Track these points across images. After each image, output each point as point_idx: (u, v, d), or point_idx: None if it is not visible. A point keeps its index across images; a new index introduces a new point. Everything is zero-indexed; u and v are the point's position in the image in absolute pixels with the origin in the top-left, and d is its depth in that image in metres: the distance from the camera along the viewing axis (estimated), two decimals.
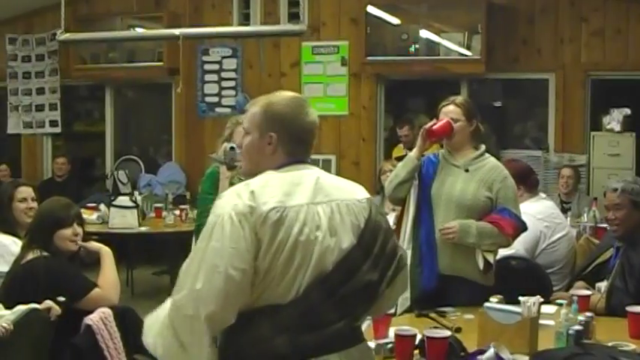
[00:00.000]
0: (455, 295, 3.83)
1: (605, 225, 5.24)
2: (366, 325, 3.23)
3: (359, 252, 2.29)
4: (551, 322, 3.41)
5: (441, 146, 4.11)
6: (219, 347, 2.21)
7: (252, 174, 2.35)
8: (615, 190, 3.99)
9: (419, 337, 2.96)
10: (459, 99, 4.10)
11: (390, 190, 4.07)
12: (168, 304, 2.24)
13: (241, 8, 6.84)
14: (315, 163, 2.41)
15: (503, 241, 3.92)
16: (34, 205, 4.46)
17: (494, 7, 7.95)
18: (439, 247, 3.88)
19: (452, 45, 8.17)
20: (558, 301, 3.73)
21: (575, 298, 3.49)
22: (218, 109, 8.99)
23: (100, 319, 3.75)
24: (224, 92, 9.00)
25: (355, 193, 2.39)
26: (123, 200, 6.97)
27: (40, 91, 9.62)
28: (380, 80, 8.62)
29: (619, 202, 3.96)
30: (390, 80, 8.78)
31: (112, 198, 7.13)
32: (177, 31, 7.13)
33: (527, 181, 5.08)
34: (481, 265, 3.85)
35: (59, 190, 6.54)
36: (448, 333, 2.99)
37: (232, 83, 8.98)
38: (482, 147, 4.03)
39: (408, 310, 3.82)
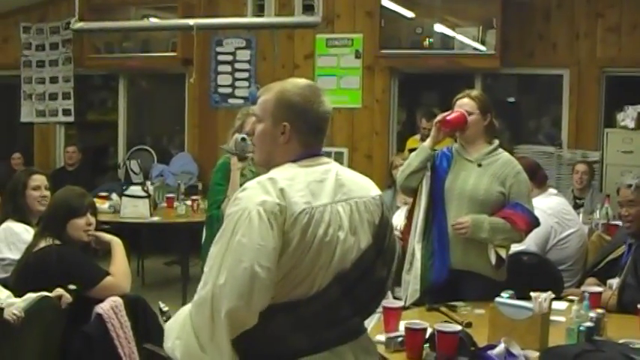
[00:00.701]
0: (467, 289, 3.83)
1: (617, 222, 5.22)
2: (376, 319, 3.23)
3: (374, 250, 2.32)
4: (563, 319, 3.40)
5: (455, 140, 4.10)
6: (236, 344, 2.13)
7: (265, 164, 2.33)
8: (629, 186, 3.98)
9: (429, 331, 2.96)
10: (474, 92, 4.09)
11: (402, 179, 4.06)
12: (188, 306, 2.20)
13: None
14: (328, 155, 2.39)
15: (515, 237, 3.91)
16: (47, 193, 4.47)
17: (510, 2, 7.90)
18: (451, 241, 3.88)
19: (466, 39, 8.13)
20: (570, 297, 3.72)
21: (586, 294, 3.46)
22: (231, 100, 8.99)
23: (110, 307, 3.76)
24: (237, 83, 9.01)
25: (369, 189, 2.39)
26: (135, 190, 6.97)
27: (54, 79, 9.62)
28: (394, 74, 8.59)
29: (633, 198, 3.94)
30: (404, 74, 8.74)
31: (124, 187, 7.16)
32: (191, 22, 7.15)
33: (536, 177, 5.06)
34: (493, 260, 3.84)
35: (71, 179, 6.53)
36: (459, 327, 2.99)
37: (246, 74, 8.98)
38: (496, 142, 4.02)
39: (417, 303, 3.83)
